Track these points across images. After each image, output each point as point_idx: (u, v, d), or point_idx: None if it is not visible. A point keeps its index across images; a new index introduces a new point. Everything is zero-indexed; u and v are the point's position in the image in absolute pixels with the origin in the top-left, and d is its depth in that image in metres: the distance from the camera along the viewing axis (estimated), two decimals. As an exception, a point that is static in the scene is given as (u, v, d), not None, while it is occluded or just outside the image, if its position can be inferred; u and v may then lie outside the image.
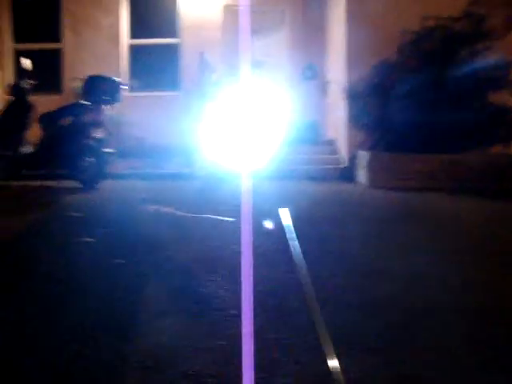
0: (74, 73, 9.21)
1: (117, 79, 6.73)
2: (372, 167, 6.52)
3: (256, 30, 9.52)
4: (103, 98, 6.32)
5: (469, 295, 2.17)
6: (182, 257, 2.79)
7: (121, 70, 9.43)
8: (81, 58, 9.47)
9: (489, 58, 6.60)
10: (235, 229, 3.44)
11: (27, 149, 6.63)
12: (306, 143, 8.39)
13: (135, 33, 9.70)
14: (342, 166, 7.56)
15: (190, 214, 4.09)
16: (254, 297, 2.02)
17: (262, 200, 4.79)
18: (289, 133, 8.43)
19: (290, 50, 9.53)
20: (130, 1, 9.65)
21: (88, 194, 5.78)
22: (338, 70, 8.01)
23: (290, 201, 5.00)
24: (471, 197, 5.55)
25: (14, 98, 6.67)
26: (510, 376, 1.54)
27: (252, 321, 1.80)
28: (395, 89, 6.80)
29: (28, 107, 6.62)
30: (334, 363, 1.48)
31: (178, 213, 4.18)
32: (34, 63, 6.97)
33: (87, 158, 6.16)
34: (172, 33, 9.62)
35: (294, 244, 2.99)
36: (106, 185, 6.30)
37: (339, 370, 1.46)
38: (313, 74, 9.37)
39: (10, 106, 6.67)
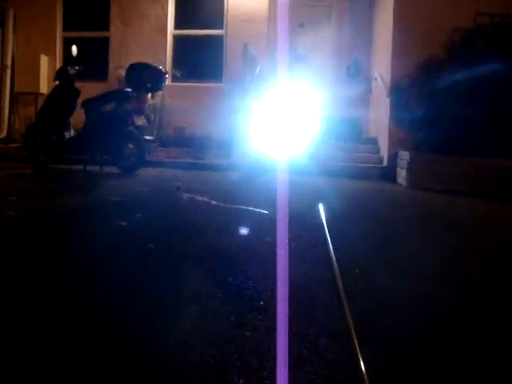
0: (120, 61, 9.39)
1: (160, 67, 6.78)
2: (413, 168, 6.36)
3: (302, 25, 9.44)
4: (146, 85, 6.38)
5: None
6: (212, 245, 2.76)
7: (165, 59, 9.53)
8: (127, 46, 9.63)
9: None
10: (270, 221, 3.42)
11: (71, 133, 6.78)
12: (348, 140, 8.27)
13: (180, 23, 9.78)
14: (382, 165, 7.41)
15: (224, 204, 4.07)
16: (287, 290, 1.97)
17: (300, 195, 4.75)
18: (330, 129, 8.33)
19: (335, 45, 9.43)
20: (177, -8, 9.72)
21: (127, 179, 5.85)
22: (383, 67, 7.84)
23: (324, 197, 4.92)
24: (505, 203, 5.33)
25: (60, 83, 6.81)
26: None
27: (286, 315, 1.76)
28: (441, 88, 6.59)
29: (74, 92, 6.77)
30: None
31: (213, 202, 4.16)
32: (81, 51, 7.11)
33: (128, 145, 6.24)
34: (217, 24, 9.64)
35: (329, 240, 2.92)
36: (145, 172, 6.38)
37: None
38: (357, 70, 9.22)
39: (56, 91, 6.82)
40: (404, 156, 6.68)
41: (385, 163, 7.36)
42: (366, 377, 1.35)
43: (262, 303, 1.92)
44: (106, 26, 9.86)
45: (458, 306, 1.99)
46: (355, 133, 8.54)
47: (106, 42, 9.87)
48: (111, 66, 9.73)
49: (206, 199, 4.29)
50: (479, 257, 2.83)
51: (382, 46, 8.10)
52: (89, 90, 7.67)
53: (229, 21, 9.54)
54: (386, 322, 1.80)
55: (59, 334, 1.61)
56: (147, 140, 6.41)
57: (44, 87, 9.55)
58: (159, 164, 7.15)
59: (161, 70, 6.66)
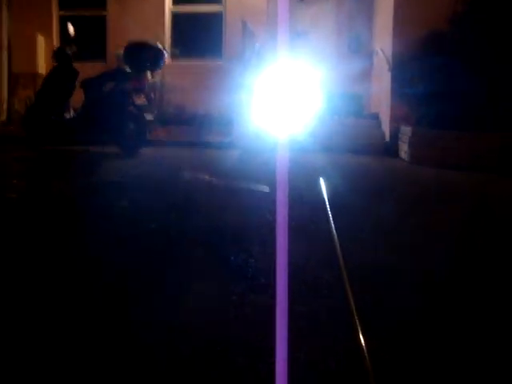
0: (118, 40, 9.25)
1: (159, 45, 6.70)
2: (414, 143, 6.32)
3: (302, 0, 9.29)
4: (145, 64, 6.31)
5: None
6: (215, 225, 2.77)
7: (164, 37, 9.42)
8: (124, 25, 9.49)
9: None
10: (270, 198, 3.42)
11: (70, 114, 6.74)
12: (349, 115, 8.21)
13: (178, 0, 9.63)
14: (384, 140, 7.37)
15: (225, 182, 4.07)
16: (287, 269, 1.98)
17: (301, 172, 4.73)
18: (332, 104, 8.26)
19: (335, 20, 9.28)
20: (175, -33, 9.55)
21: (128, 160, 5.84)
22: (384, 41, 7.74)
23: (327, 174, 4.90)
24: (508, 177, 5.31)
25: (58, 64, 6.74)
26: None
27: (286, 293, 1.78)
28: (444, 63, 6.51)
29: (72, 73, 6.69)
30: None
31: (214, 180, 4.16)
32: (78, 30, 7.02)
33: (129, 125, 6.20)
34: (216, 0, 9.50)
35: (331, 216, 2.92)
36: (146, 151, 6.36)
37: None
38: (358, 45, 9.11)
39: (55, 72, 6.75)
40: (406, 131, 6.64)
41: (387, 138, 7.32)
42: (366, 354, 1.37)
43: (263, 281, 1.94)
44: (102, 4, 9.72)
45: (452, 284, 2.00)
46: (357, 108, 8.47)
47: (103, 20, 9.75)
48: (109, 46, 9.63)
49: (207, 178, 4.29)
50: (472, 234, 2.84)
51: (383, 19, 7.98)
52: (87, 70, 7.59)
53: (228, -4, 9.39)
54: (387, 303, 1.82)
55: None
56: (147, 119, 6.36)
57: (42, 67, 9.47)
58: (160, 143, 7.12)
59: (159, 48, 6.59)
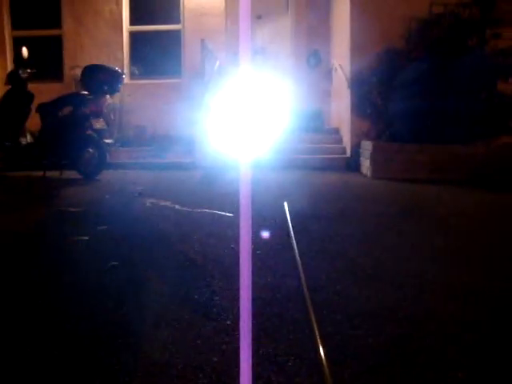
0: (75, 60, 9.13)
1: (117, 68, 6.61)
2: (376, 157, 6.42)
3: (260, 17, 9.37)
4: (103, 88, 6.21)
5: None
6: (177, 258, 2.71)
7: (122, 56, 9.32)
8: (81, 44, 9.38)
9: (499, 46, 6.45)
10: (235, 225, 3.38)
11: (27, 139, 6.57)
12: (310, 131, 8.30)
13: (136, 19, 9.58)
14: (346, 155, 7.45)
15: (188, 209, 4.00)
16: (252, 305, 1.93)
17: (264, 192, 4.72)
18: (292, 121, 8.32)
19: (294, 36, 9.40)
20: (131, -14, 9.49)
21: (87, 185, 5.71)
22: (342, 57, 7.86)
23: (289, 193, 4.92)
24: (474, 189, 5.45)
25: (11, 87, 6.57)
26: None
27: (250, 336, 1.73)
28: (400, 77, 6.66)
29: (27, 96, 6.53)
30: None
31: (177, 207, 4.10)
32: (33, 50, 6.86)
33: (88, 149, 6.09)
34: (174, 19, 9.49)
35: (294, 242, 2.91)
36: (106, 175, 6.24)
37: None
38: (317, 61, 9.23)
39: (9, 95, 6.57)
40: (366, 146, 6.74)
41: (348, 153, 7.41)
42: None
43: (228, 322, 1.88)
44: (57, 24, 9.55)
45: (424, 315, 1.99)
46: (318, 124, 8.57)
47: (59, 40, 9.57)
48: (66, 66, 9.46)
49: (169, 204, 4.21)
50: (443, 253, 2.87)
51: (341, 36, 8.11)
52: (44, 91, 7.43)
53: (186, 15, 9.38)
54: (356, 341, 1.79)
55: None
56: (107, 143, 6.26)
57: (-5, 90, 9.20)
58: (121, 165, 7.01)
59: (117, 71, 6.50)
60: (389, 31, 6.89)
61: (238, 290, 2.14)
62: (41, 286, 2.31)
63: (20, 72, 6.48)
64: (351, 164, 7.15)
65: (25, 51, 6.49)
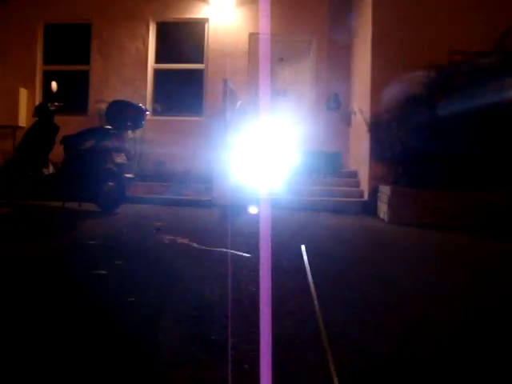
0: (100, 95, 9.38)
1: (141, 105, 6.78)
2: (393, 202, 6.39)
3: (282, 59, 9.58)
4: (126, 123, 6.36)
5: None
6: (194, 298, 2.70)
7: (145, 93, 9.55)
8: (107, 80, 9.64)
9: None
10: (252, 265, 3.37)
11: (49, 170, 6.69)
12: (328, 174, 8.33)
13: (161, 57, 9.86)
14: (363, 199, 7.45)
15: (206, 247, 4.01)
16: (272, 349, 1.91)
17: (281, 234, 4.72)
18: (311, 162, 8.38)
19: (314, 79, 9.57)
20: (158, 26, 9.82)
21: (106, 219, 5.76)
22: (362, 101, 7.96)
23: (307, 235, 4.91)
24: (493, 238, 5.38)
25: (39, 119, 6.75)
26: None
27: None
28: (418, 123, 6.70)
29: (52, 129, 6.70)
30: None
31: (194, 245, 4.10)
32: (61, 84, 7.07)
33: (108, 183, 6.18)
34: (198, 58, 9.74)
35: (312, 286, 2.89)
36: (125, 209, 6.30)
37: None
38: (337, 104, 9.35)
39: (35, 127, 6.74)
40: (385, 190, 6.73)
41: (365, 197, 7.40)
42: None
43: (246, 366, 1.86)
44: (86, 60, 9.87)
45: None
46: (336, 166, 8.61)
47: (86, 75, 9.87)
48: (91, 100, 9.71)
49: (187, 241, 4.22)
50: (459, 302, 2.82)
51: (361, 80, 8.24)
52: (69, 123, 7.62)
53: (209, 55, 9.63)
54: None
55: None
56: (127, 177, 6.35)
57: (23, 121, 9.47)
58: (139, 200, 7.08)
59: (141, 107, 6.66)
60: (408, 77, 6.97)
61: (255, 332, 2.13)
62: (51, 322, 2.31)
63: (48, 105, 6.66)
64: (368, 208, 7.13)
65: (54, 85, 6.69)
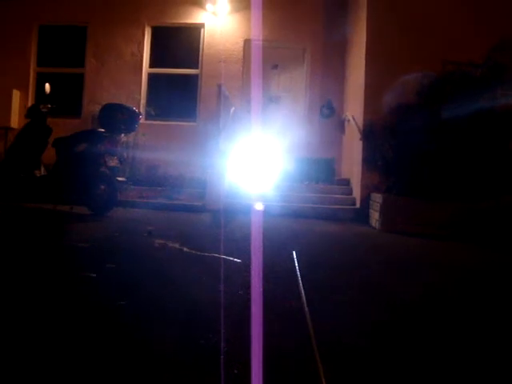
0: (94, 98, 9.37)
1: (134, 109, 6.77)
2: (385, 210, 6.42)
3: (276, 66, 9.61)
4: (119, 126, 6.34)
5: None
6: (184, 302, 2.69)
7: (140, 97, 9.54)
8: (101, 83, 9.63)
9: (509, 105, 6.55)
10: (243, 271, 3.37)
11: (41, 172, 6.66)
12: (320, 181, 8.36)
13: (156, 62, 9.87)
14: (355, 206, 7.47)
15: (196, 252, 4.00)
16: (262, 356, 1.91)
17: (273, 240, 4.72)
18: (303, 170, 8.40)
19: (308, 86, 9.60)
20: (154, 31, 9.83)
21: (97, 222, 5.74)
22: (355, 109, 8.00)
23: (298, 242, 4.91)
24: (483, 247, 5.41)
25: (31, 121, 6.71)
26: None
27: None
28: (410, 132, 6.74)
29: (45, 131, 6.66)
30: None
31: (185, 249, 4.09)
32: (55, 86, 7.05)
33: (100, 186, 6.15)
34: (192, 63, 9.75)
35: (303, 291, 2.89)
36: (116, 213, 6.28)
37: None
38: (331, 111, 9.39)
39: (27, 129, 6.71)
40: (377, 198, 6.75)
41: (358, 205, 7.42)
42: None
43: (236, 371, 1.86)
44: (80, 63, 9.86)
45: None
46: (328, 174, 8.63)
47: (80, 78, 9.85)
48: (85, 103, 9.70)
49: (178, 246, 4.21)
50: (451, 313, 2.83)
51: (354, 88, 8.28)
52: (62, 126, 7.60)
53: (204, 61, 9.65)
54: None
55: None
56: (119, 181, 6.33)
57: (15, 122, 9.43)
58: (131, 204, 7.06)
59: (135, 111, 6.65)
60: (402, 87, 7.03)
61: (245, 337, 2.12)
62: (38, 325, 2.30)
63: (40, 107, 6.63)
64: (360, 215, 7.15)
65: (47, 87, 6.66)
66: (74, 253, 3.88)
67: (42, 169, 6.78)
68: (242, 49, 9.55)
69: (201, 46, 9.72)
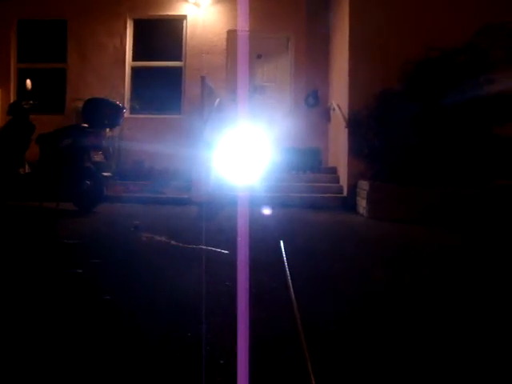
0: (77, 93, 9.26)
1: (118, 103, 6.70)
2: (372, 198, 6.44)
3: (260, 56, 9.57)
4: (103, 121, 6.28)
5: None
6: (171, 294, 2.68)
7: (123, 91, 9.46)
8: (84, 78, 9.53)
9: (493, 90, 6.57)
10: (230, 262, 3.36)
11: (25, 169, 6.58)
12: (307, 170, 8.35)
13: (139, 55, 9.77)
14: (342, 194, 7.48)
15: (183, 245, 3.99)
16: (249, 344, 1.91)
17: (260, 230, 4.72)
18: (290, 159, 8.39)
19: (293, 76, 9.58)
20: (136, 23, 9.73)
21: (84, 218, 5.70)
22: (340, 98, 8.00)
23: (285, 231, 4.92)
24: (467, 232, 5.43)
25: (13, 118, 6.62)
26: None
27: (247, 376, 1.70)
28: (395, 119, 6.75)
29: (28, 127, 6.58)
30: None
31: (172, 242, 4.08)
32: (37, 82, 6.96)
33: (85, 182, 6.10)
34: (176, 56, 9.67)
35: (290, 281, 2.90)
36: (103, 208, 6.23)
37: None
38: (316, 101, 9.39)
39: (9, 125, 6.62)
40: (363, 186, 6.77)
41: (345, 193, 7.44)
42: None
43: (222, 362, 1.86)
44: (62, 58, 9.73)
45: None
46: (315, 163, 8.63)
47: (62, 73, 9.73)
48: (68, 99, 9.59)
49: (165, 239, 4.20)
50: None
51: (339, 76, 8.27)
52: (45, 122, 7.49)
53: (187, 53, 9.58)
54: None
55: None
56: (105, 176, 6.28)
57: (-4, 120, 9.30)
58: (118, 199, 7.01)
59: (118, 105, 6.59)
60: (386, 73, 7.02)
61: (231, 327, 2.12)
62: (23, 321, 2.28)
63: (22, 103, 6.54)
64: (348, 203, 7.17)
65: (28, 83, 6.58)
66: (61, 250, 3.86)
67: (27, 166, 6.70)
68: (225, 40, 9.49)
69: (184, 38, 9.64)
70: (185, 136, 8.27)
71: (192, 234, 4.56)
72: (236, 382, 1.68)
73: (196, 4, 9.50)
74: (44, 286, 2.82)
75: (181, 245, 3.99)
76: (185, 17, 9.59)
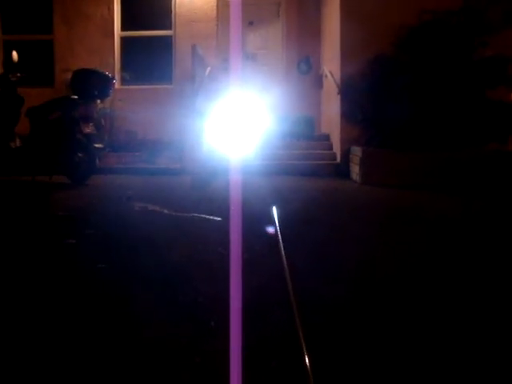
0: (66, 65, 9.09)
1: (107, 73, 6.61)
2: (365, 163, 6.44)
3: (251, 23, 9.41)
4: (93, 92, 6.20)
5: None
6: (164, 262, 2.71)
7: (113, 62, 9.31)
8: (72, 49, 9.36)
9: (487, 53, 6.51)
10: (223, 229, 3.38)
11: (16, 143, 6.53)
12: (300, 138, 8.31)
13: (127, 25, 9.56)
14: (336, 161, 7.48)
15: (176, 213, 4.00)
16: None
17: (254, 198, 4.72)
18: (283, 127, 8.34)
19: (285, 42, 9.44)
20: (123, -8, 9.51)
21: (77, 190, 5.69)
22: (333, 64, 7.91)
23: (279, 198, 4.93)
24: (460, 196, 5.45)
25: (1, 91, 6.52)
26: None
27: (239, 338, 1.73)
28: (389, 84, 6.70)
29: (16, 101, 6.49)
30: None
31: (165, 211, 4.09)
32: (24, 55, 6.83)
33: (77, 154, 6.06)
34: (165, 24, 9.49)
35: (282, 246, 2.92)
36: (96, 180, 6.22)
37: None
38: (308, 67, 9.27)
39: (-3, 99, 6.53)
40: (356, 152, 6.77)
41: (338, 160, 7.43)
42: None
43: (212, 324, 1.88)
44: (49, 29, 9.52)
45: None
46: (308, 130, 8.58)
47: (50, 45, 9.54)
48: (57, 71, 9.42)
49: (158, 208, 4.21)
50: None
51: (331, 42, 8.16)
52: (34, 95, 7.39)
53: (177, 21, 9.39)
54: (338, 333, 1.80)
55: None
56: (97, 148, 6.23)
57: (-16, 94, 9.16)
58: (110, 170, 6.99)
59: (108, 75, 6.50)
60: (379, 38, 6.92)
61: (222, 292, 2.14)
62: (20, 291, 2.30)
63: (9, 76, 6.43)
64: (341, 170, 7.18)
65: (15, 55, 6.46)
66: (54, 221, 3.86)
67: (17, 140, 6.64)
68: (215, 7, 9.30)
69: (173, 5, 9.43)
70: (177, 106, 8.18)
71: (185, 202, 4.57)
72: (228, 344, 1.70)
73: (184, -30, 9.27)
74: (39, 255, 2.84)
75: (174, 213, 4.01)
76: (173, -17, 9.38)
